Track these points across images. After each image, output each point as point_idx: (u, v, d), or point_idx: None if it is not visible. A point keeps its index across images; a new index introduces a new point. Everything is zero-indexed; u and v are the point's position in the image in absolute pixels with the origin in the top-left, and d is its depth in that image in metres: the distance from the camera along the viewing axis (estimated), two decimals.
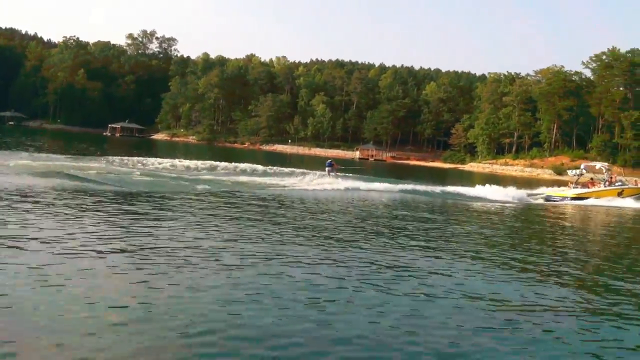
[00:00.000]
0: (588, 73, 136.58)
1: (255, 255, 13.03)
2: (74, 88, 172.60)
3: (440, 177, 78.66)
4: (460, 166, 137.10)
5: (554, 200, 40.96)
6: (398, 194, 35.30)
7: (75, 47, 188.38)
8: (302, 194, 30.63)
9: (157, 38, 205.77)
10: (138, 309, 8.60)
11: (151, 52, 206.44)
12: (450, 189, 39.32)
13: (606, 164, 49.71)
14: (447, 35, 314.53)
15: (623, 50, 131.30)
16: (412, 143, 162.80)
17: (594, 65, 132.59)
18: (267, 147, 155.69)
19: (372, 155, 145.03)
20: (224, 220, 18.01)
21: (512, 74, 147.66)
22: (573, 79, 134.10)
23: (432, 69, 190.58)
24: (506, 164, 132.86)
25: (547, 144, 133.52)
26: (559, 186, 50.74)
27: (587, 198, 40.85)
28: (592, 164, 52.62)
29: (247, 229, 16.65)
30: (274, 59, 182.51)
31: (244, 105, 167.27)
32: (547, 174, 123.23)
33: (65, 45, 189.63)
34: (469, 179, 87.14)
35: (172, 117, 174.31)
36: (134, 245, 12.81)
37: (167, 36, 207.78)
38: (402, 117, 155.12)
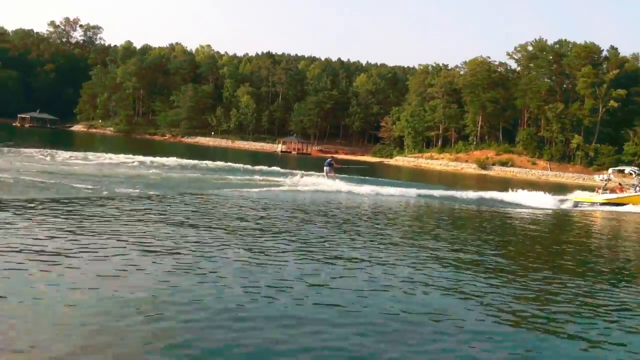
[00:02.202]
0: (514, 65, 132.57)
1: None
2: None
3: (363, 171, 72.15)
4: (386, 160, 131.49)
5: (583, 206, 39.18)
6: (421, 199, 32.74)
7: None
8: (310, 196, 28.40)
9: (81, 26, 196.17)
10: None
11: (75, 40, 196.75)
12: (480, 194, 37.61)
13: (636, 168, 46.37)
14: (390, 30, 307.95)
15: (551, 41, 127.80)
16: (343, 136, 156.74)
17: (519, 56, 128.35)
18: (188, 140, 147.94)
19: (298, 149, 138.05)
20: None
21: (440, 65, 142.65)
22: (498, 70, 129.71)
23: (370, 63, 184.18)
24: (432, 157, 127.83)
25: (473, 137, 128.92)
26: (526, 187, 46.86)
27: (618, 204, 39.06)
28: (621, 168, 50.83)
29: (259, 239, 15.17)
30: (197, 47, 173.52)
31: (165, 95, 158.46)
32: (471, 168, 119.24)
33: None
34: (391, 172, 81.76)
35: (91, 107, 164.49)
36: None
37: (92, 24, 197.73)
38: (330, 109, 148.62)
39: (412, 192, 34.53)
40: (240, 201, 23.47)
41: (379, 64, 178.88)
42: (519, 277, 13.40)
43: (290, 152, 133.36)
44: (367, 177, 44.23)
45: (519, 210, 32.18)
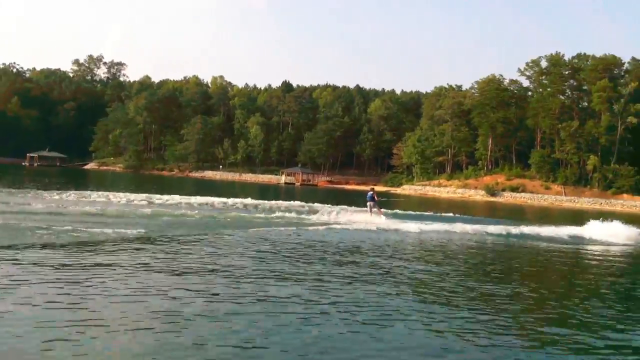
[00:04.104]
0: (527, 82, 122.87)
1: None
2: (6, 116, 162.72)
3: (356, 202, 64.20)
4: (393, 189, 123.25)
5: None
6: (488, 237, 28.37)
7: (14, 74, 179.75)
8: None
9: (104, 63, 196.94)
10: None
11: (99, 78, 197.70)
12: (546, 230, 31.96)
13: None
14: (411, 55, 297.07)
15: (569, 56, 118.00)
16: (356, 166, 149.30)
17: (531, 72, 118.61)
18: (195, 174, 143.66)
19: (303, 180, 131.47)
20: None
21: (453, 86, 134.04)
22: (509, 88, 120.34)
23: (389, 90, 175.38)
24: (440, 185, 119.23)
25: (483, 161, 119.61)
26: None
27: None
28: None
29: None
30: (211, 78, 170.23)
31: (177, 129, 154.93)
32: (479, 195, 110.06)
33: (4, 72, 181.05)
34: (396, 203, 73.67)
35: (105, 144, 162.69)
36: None
37: (116, 61, 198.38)
38: (340, 137, 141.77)
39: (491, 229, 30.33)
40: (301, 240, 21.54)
41: (400, 91, 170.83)
42: None
43: (294, 184, 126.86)
44: (411, 212, 41.40)
45: (598, 248, 27.53)
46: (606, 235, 30.48)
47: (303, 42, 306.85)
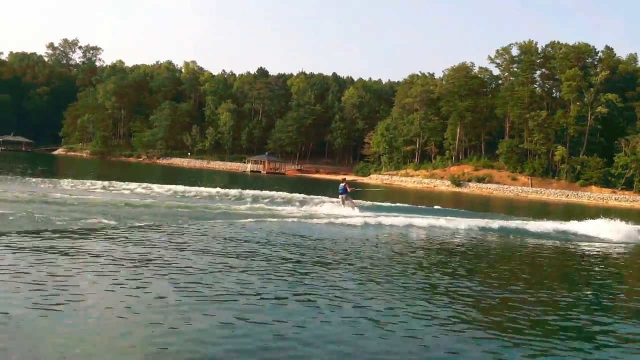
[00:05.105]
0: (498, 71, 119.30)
1: None
2: None
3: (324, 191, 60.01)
4: (360, 179, 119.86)
5: None
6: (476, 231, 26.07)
7: None
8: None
9: (80, 47, 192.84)
10: None
11: (75, 62, 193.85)
12: (540, 224, 30.28)
13: None
14: (392, 44, 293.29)
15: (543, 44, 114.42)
16: (329, 155, 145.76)
17: (502, 60, 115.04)
18: (163, 161, 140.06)
19: (271, 168, 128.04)
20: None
21: (426, 74, 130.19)
22: (479, 76, 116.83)
23: (372, 79, 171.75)
24: (407, 175, 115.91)
25: (451, 151, 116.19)
26: None
27: None
28: None
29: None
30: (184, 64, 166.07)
31: (147, 115, 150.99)
32: (445, 185, 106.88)
33: None
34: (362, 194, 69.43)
35: (74, 129, 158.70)
36: None
37: (92, 45, 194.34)
38: (312, 125, 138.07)
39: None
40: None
41: (387, 81, 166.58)
42: None
43: (261, 173, 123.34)
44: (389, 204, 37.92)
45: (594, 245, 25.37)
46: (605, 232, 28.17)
47: (288, 30, 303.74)
